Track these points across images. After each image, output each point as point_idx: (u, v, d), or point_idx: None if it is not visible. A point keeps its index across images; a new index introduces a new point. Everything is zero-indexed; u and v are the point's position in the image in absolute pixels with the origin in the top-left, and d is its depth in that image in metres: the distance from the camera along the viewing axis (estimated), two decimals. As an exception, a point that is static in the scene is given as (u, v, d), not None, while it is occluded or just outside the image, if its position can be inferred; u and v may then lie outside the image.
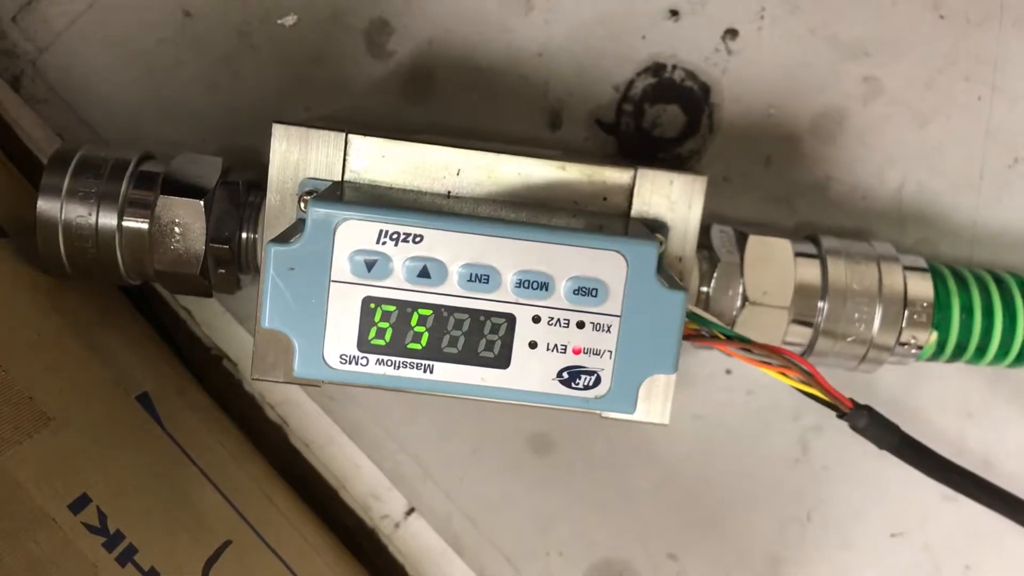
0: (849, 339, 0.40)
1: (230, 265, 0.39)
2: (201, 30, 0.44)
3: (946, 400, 0.46)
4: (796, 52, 0.43)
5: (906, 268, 0.40)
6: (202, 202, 0.38)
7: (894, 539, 0.47)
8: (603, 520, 0.48)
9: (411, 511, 0.48)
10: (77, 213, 0.38)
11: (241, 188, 0.39)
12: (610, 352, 0.33)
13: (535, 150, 0.39)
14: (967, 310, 0.40)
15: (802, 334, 0.40)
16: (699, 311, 0.36)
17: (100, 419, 0.37)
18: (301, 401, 0.47)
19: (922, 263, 0.41)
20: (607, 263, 0.32)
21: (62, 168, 0.38)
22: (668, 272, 0.34)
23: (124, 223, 0.38)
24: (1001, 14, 0.43)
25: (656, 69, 0.44)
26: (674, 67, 0.44)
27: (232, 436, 0.45)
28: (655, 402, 0.38)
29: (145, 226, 0.38)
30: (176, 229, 0.38)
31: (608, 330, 0.33)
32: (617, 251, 0.32)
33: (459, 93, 0.44)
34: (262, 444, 0.48)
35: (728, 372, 0.46)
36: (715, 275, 0.40)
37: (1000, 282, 0.41)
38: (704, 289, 0.40)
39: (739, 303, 0.40)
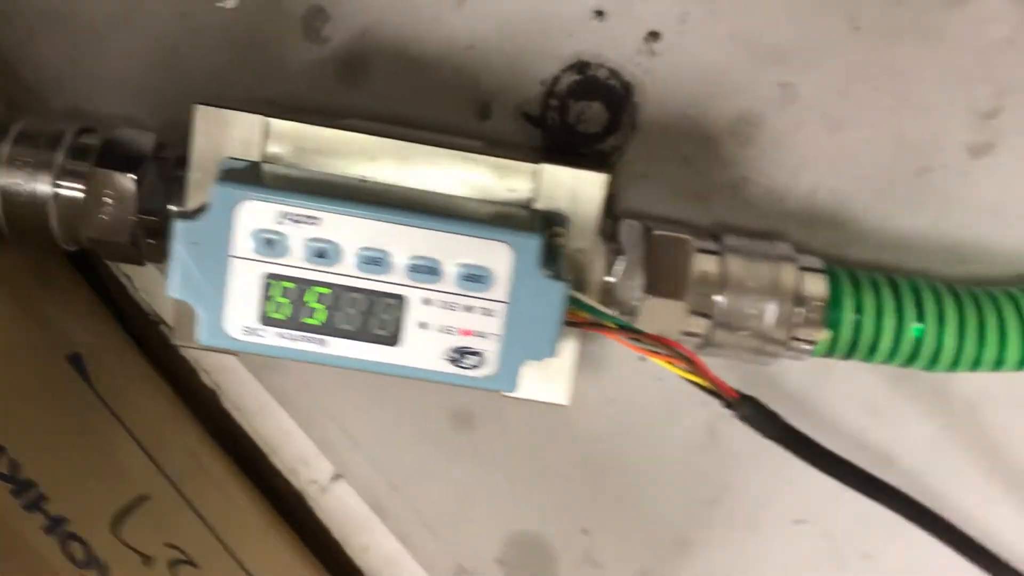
0: (744, 333, 0.42)
1: (159, 236, 0.41)
2: (145, 7, 0.45)
3: (851, 396, 0.48)
4: (716, 56, 0.45)
5: (802, 268, 0.42)
6: (134, 175, 0.40)
7: (797, 526, 0.50)
8: (519, 494, 0.50)
9: (337, 477, 0.50)
10: (13, 180, 0.40)
11: (172, 163, 0.41)
12: (496, 335, 0.35)
13: (454, 140, 0.40)
14: (859, 311, 0.42)
15: (702, 325, 0.42)
16: (590, 301, 0.38)
17: (26, 377, 0.40)
18: (235, 368, 0.49)
19: (818, 264, 0.43)
20: (494, 252, 0.34)
21: (1, 136, 0.41)
22: (559, 263, 0.36)
23: (58, 192, 0.40)
24: (914, 28, 0.45)
25: (581, 66, 0.45)
26: (598, 65, 0.45)
27: (164, 397, 0.47)
28: (557, 383, 0.40)
29: (78, 195, 0.40)
30: (107, 200, 0.40)
31: (494, 315, 0.35)
32: (504, 241, 0.34)
33: (392, 82, 0.46)
34: (196, 407, 0.50)
35: (642, 359, 0.48)
36: (619, 267, 0.42)
37: (895, 286, 0.43)
38: (609, 279, 0.42)
39: (640, 294, 0.42)
